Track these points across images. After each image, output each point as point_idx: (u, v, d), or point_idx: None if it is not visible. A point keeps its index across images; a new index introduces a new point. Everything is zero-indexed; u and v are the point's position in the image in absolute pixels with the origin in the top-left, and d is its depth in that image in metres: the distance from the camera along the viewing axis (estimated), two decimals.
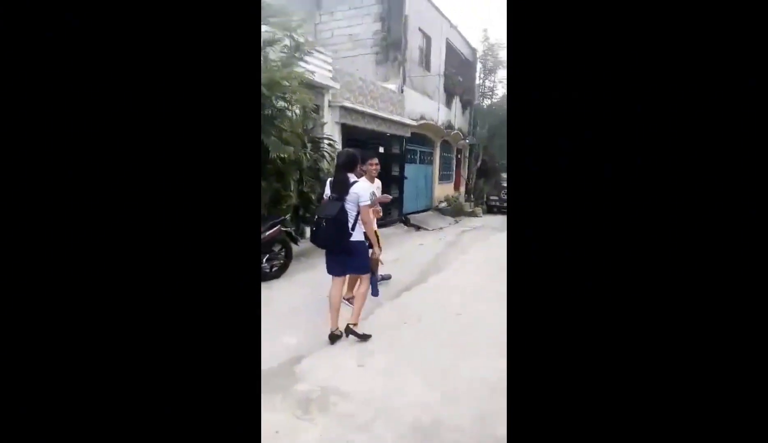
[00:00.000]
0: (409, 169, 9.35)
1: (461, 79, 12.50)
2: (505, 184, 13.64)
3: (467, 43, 13.37)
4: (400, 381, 2.30)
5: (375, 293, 3.09)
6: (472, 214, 11.69)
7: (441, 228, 8.54)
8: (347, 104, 6.81)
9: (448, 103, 11.95)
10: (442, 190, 12.08)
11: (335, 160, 5.98)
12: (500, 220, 11.09)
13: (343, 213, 2.57)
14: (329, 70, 6.53)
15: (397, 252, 5.68)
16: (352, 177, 2.66)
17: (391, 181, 8.45)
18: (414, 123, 9.00)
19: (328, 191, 2.77)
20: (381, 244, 2.95)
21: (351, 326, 2.76)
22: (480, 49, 14.37)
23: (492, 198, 13.49)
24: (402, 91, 8.91)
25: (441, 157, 11.88)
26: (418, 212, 9.70)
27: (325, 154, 6.08)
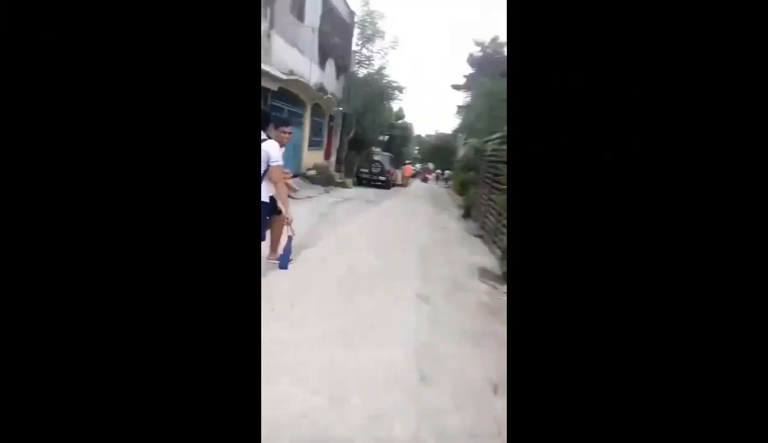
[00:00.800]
0: None
1: (338, 40, 11.67)
2: (375, 158, 13.63)
3: (345, 2, 12.54)
4: (275, 388, 1.64)
5: (284, 265, 2.77)
6: (342, 185, 11.30)
7: (310, 198, 7.81)
8: None
9: (322, 64, 11.04)
10: (311, 158, 11.30)
11: None
12: (371, 193, 11.00)
13: None
14: None
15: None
16: (262, 134, 2.49)
17: None
18: (283, 76, 7.86)
19: None
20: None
21: None
22: (358, 12, 13.69)
23: (362, 170, 13.36)
24: (269, 37, 7.64)
25: (312, 121, 10.99)
26: None
27: None
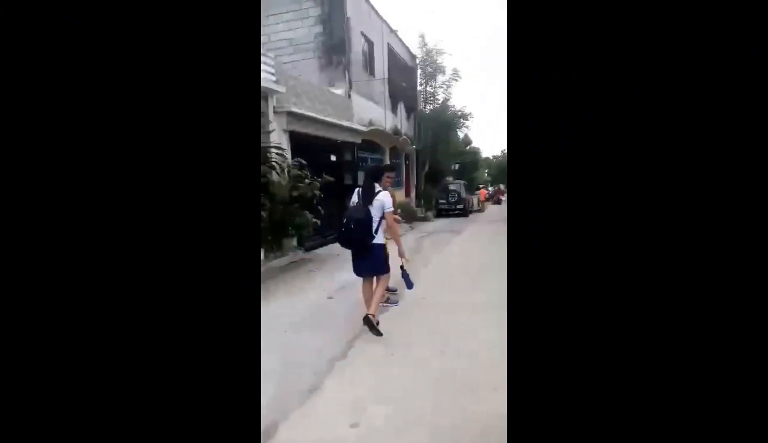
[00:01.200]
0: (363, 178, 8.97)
1: (404, 84, 12.45)
2: (451, 187, 13.83)
3: (407, 48, 13.40)
4: (404, 439, 1.85)
5: (409, 286, 3.41)
6: (425, 219, 11.64)
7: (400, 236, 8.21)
8: (295, 109, 6.25)
9: (394, 109, 11.81)
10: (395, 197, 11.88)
11: (286, 171, 5.59)
12: (450, 223, 11.13)
13: (369, 217, 2.95)
14: (271, 73, 5.94)
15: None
16: (377, 186, 3.05)
17: (346, 190, 8.03)
18: (364, 129, 8.65)
19: (354, 198, 3.13)
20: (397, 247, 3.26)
21: (370, 316, 2.97)
22: (419, 54, 14.50)
23: (441, 202, 13.60)
24: (349, 96, 8.53)
25: (390, 162, 11.66)
26: None
27: (275, 164, 5.48)
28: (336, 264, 5.35)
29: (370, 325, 2.93)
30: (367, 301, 3.10)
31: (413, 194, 13.83)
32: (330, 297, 4.10)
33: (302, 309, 3.78)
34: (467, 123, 15.91)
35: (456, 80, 14.84)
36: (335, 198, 7.20)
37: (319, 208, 5.89)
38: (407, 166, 13.58)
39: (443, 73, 14.67)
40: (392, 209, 3.06)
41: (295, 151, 6.33)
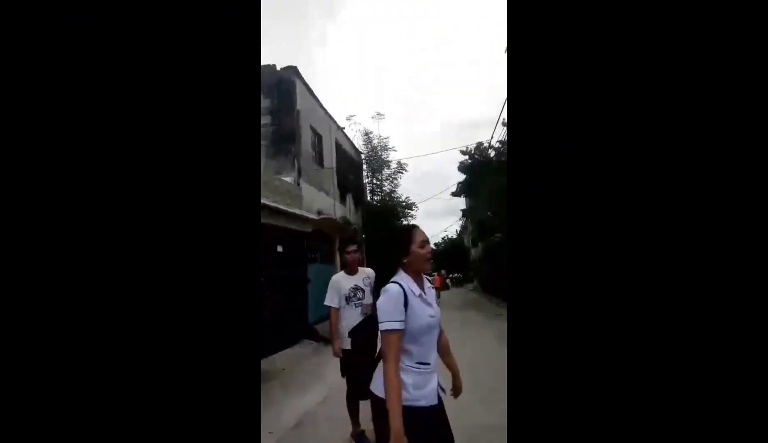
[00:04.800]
0: (312, 270, 8.07)
1: (352, 177, 12.48)
2: None
3: (353, 144, 13.83)
4: None
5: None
6: None
7: None
8: None
9: (342, 200, 11.57)
10: None
11: None
12: None
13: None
14: None
15: (322, 388, 4.13)
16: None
17: (295, 284, 7.05)
18: (315, 217, 8.05)
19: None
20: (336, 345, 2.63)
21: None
22: (364, 150, 15.01)
23: None
24: (299, 184, 8.06)
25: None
26: (325, 319, 8.19)
27: None
28: (295, 380, 4.21)
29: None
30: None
31: None
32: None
33: None
34: (412, 212, 16.16)
35: (401, 173, 15.41)
36: (283, 294, 6.20)
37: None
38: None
39: (389, 166, 15.19)
40: (327, 304, 2.63)
41: None
